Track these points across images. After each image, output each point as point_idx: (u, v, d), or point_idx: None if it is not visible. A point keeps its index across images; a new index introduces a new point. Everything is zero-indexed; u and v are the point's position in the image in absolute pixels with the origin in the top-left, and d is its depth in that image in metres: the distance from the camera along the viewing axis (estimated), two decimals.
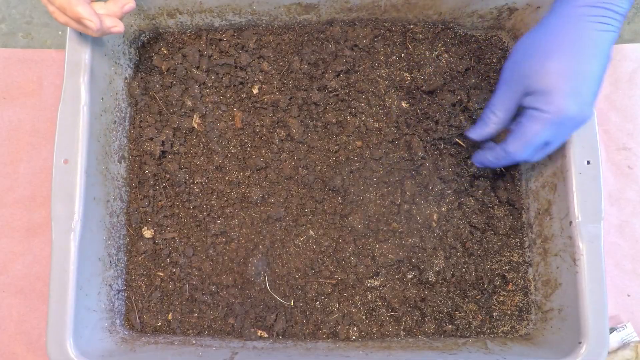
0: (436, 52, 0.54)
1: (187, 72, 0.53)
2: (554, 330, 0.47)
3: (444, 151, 0.52)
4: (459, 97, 0.52)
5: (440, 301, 0.50)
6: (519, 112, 0.44)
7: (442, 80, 0.53)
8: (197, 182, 0.52)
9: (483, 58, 0.54)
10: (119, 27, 0.42)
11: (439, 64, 0.53)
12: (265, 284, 0.51)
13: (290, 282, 0.51)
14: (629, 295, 0.56)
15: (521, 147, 0.42)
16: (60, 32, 0.61)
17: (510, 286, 0.51)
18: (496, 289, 0.51)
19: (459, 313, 0.50)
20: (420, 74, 0.53)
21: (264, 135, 0.53)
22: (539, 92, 0.40)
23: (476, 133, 0.46)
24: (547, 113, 0.40)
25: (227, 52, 0.53)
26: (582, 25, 0.39)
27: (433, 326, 0.50)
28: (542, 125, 0.40)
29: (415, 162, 0.52)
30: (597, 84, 0.40)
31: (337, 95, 0.53)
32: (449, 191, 0.52)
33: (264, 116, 0.53)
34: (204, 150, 0.53)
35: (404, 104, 0.53)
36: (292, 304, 0.50)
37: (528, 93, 0.41)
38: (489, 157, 0.46)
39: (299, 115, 0.53)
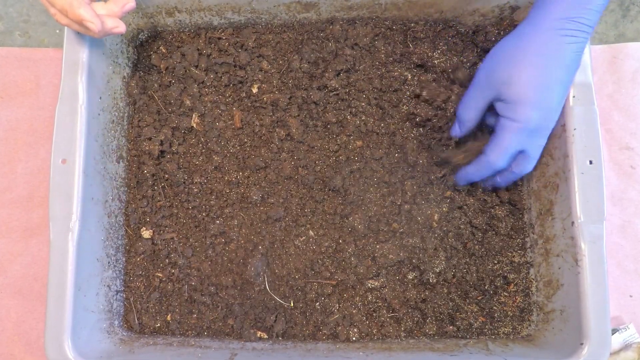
0: (438, 51, 0.53)
1: (185, 71, 0.53)
2: (555, 331, 0.47)
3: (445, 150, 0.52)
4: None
5: (441, 302, 0.50)
6: (489, 118, 0.47)
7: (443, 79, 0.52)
8: (196, 182, 0.52)
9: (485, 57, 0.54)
10: (121, 27, 0.42)
11: (440, 62, 0.53)
12: (265, 285, 0.50)
13: (290, 283, 0.50)
14: (631, 296, 0.55)
15: (498, 154, 0.44)
16: (57, 31, 0.61)
17: (511, 287, 0.51)
18: (497, 290, 0.51)
19: (460, 314, 0.50)
20: (422, 73, 0.53)
21: (264, 134, 0.52)
22: (510, 101, 0.42)
23: (455, 131, 0.49)
24: (517, 122, 0.42)
25: (227, 51, 0.53)
26: (553, 37, 0.41)
27: (434, 327, 0.50)
28: (513, 133, 0.43)
29: (416, 161, 0.52)
30: (564, 92, 0.43)
31: (338, 94, 0.53)
32: (450, 191, 0.51)
33: (263, 116, 0.52)
34: (203, 150, 0.52)
35: (404, 104, 0.53)
36: (292, 304, 0.50)
37: (499, 99, 0.43)
38: (471, 170, 0.48)
39: (298, 115, 0.52)
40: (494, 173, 0.47)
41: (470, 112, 0.46)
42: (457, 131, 0.48)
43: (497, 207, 0.52)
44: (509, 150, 0.44)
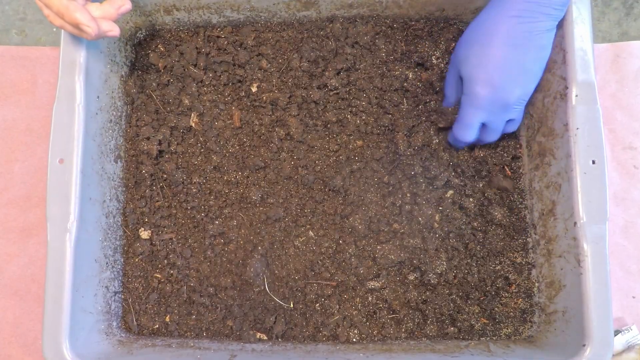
0: (439, 50, 0.53)
1: (184, 69, 0.52)
2: (557, 332, 0.46)
3: (447, 149, 0.52)
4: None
5: (442, 303, 0.50)
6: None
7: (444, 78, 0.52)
8: (194, 182, 0.51)
9: None
10: (115, 31, 0.41)
11: (441, 61, 0.53)
12: (265, 286, 0.50)
13: (289, 284, 0.50)
14: (634, 297, 0.55)
15: (460, 129, 0.47)
16: (54, 29, 0.60)
17: (513, 288, 0.50)
18: (499, 291, 0.50)
19: (461, 315, 0.50)
20: (423, 71, 0.52)
21: (263, 134, 0.52)
22: (465, 78, 0.45)
23: (446, 103, 0.52)
24: (471, 97, 0.45)
25: (225, 50, 0.53)
26: (502, 18, 0.42)
27: (435, 328, 0.49)
28: (470, 108, 0.45)
29: (417, 161, 0.51)
30: (517, 70, 0.43)
31: (338, 93, 0.52)
32: (452, 191, 0.51)
33: (262, 115, 0.52)
34: (202, 150, 0.52)
35: (405, 103, 0.52)
36: (292, 305, 0.50)
37: (461, 78, 0.47)
38: (450, 140, 0.51)
39: (298, 114, 0.52)
40: (465, 144, 0.50)
41: (447, 88, 0.50)
42: (448, 103, 0.52)
43: (498, 208, 0.51)
44: (470, 123, 0.46)
